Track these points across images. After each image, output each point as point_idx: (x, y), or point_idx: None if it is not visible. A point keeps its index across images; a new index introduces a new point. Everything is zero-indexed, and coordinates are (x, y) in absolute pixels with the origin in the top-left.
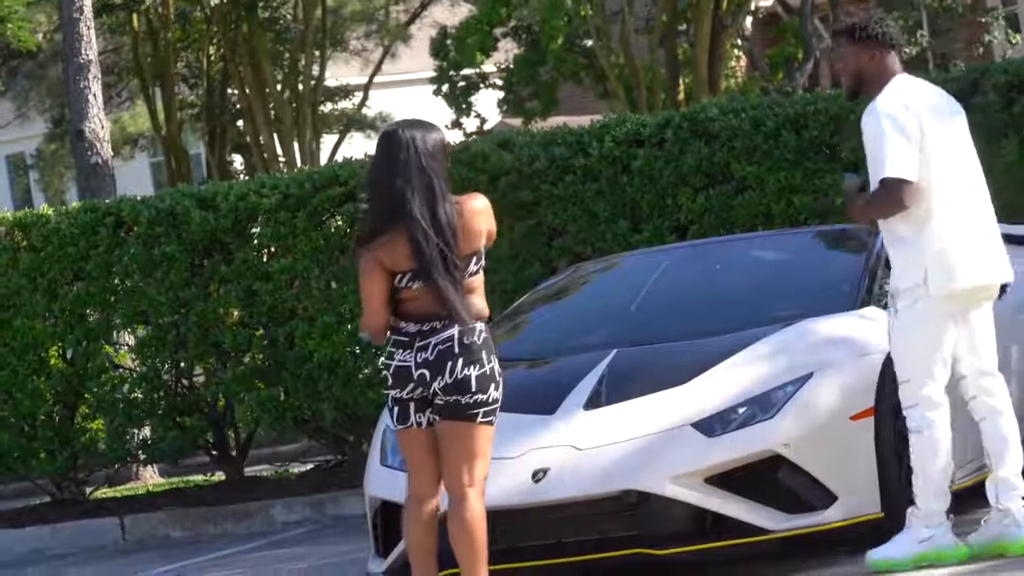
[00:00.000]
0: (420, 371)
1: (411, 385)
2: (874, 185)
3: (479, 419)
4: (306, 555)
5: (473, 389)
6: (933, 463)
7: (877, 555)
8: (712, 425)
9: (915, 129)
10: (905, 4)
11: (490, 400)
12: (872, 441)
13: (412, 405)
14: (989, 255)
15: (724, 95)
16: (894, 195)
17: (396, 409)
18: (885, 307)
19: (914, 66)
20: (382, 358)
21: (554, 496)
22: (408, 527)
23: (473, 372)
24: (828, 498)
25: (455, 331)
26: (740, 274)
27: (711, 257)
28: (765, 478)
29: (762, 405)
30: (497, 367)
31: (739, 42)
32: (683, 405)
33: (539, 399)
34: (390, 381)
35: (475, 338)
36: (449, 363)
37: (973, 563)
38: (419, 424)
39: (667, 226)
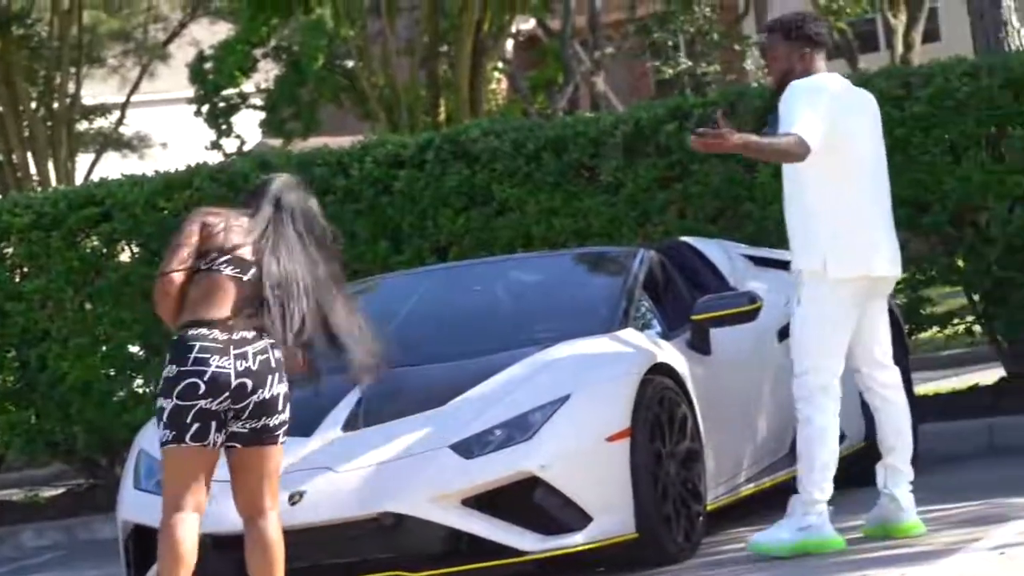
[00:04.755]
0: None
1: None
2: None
3: (279, 440)
4: None
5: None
6: (820, 453)
7: (760, 539)
8: (470, 447)
9: (827, 112)
10: (665, 27)
11: (287, 418)
12: (628, 462)
13: (214, 422)
14: (887, 248)
15: (485, 117)
16: (796, 148)
17: (197, 424)
18: (642, 329)
19: (672, 87)
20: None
21: (311, 519)
22: (177, 545)
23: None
24: (583, 519)
25: None
26: (500, 296)
27: (471, 279)
28: (522, 499)
29: (519, 427)
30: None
31: (500, 64)
32: (441, 427)
33: (296, 421)
34: (203, 389)
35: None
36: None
37: (853, 550)
38: (214, 444)
39: (427, 247)
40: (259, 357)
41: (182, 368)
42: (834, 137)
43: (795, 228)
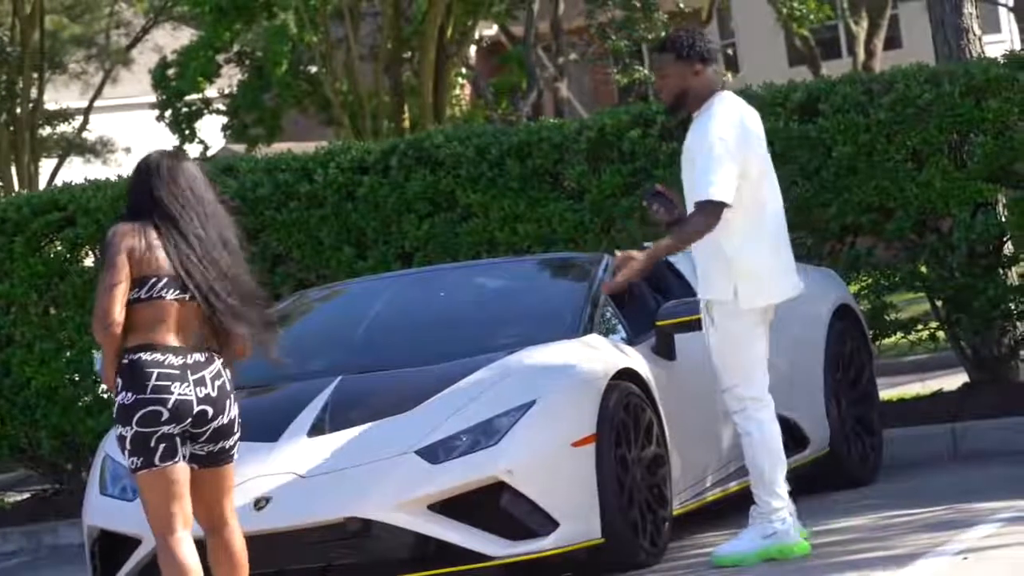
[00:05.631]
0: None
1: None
2: (691, 199)
3: (234, 458)
4: None
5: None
6: (765, 462)
7: (724, 551)
8: (436, 452)
9: (740, 152)
10: (624, 34)
11: (239, 436)
12: (593, 467)
13: (178, 439)
14: (788, 270)
15: (449, 123)
16: (712, 218)
17: (163, 446)
18: (607, 334)
19: (630, 93)
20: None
21: (277, 524)
22: (186, 568)
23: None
24: (550, 524)
25: None
26: (465, 302)
27: (436, 284)
28: (488, 505)
29: (485, 432)
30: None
31: (464, 70)
32: (407, 432)
33: (263, 426)
34: (166, 416)
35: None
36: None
37: (818, 555)
38: (184, 457)
39: (392, 253)
40: (216, 382)
41: (140, 396)
42: (739, 176)
43: (704, 261)
